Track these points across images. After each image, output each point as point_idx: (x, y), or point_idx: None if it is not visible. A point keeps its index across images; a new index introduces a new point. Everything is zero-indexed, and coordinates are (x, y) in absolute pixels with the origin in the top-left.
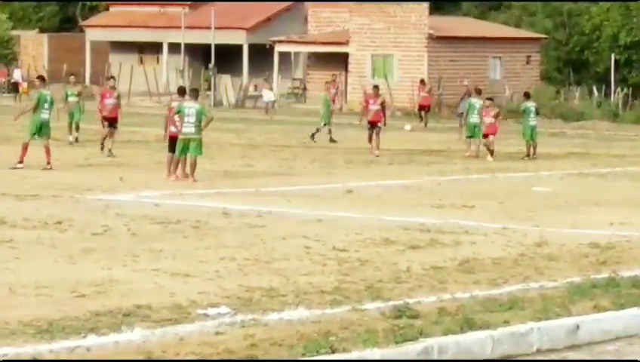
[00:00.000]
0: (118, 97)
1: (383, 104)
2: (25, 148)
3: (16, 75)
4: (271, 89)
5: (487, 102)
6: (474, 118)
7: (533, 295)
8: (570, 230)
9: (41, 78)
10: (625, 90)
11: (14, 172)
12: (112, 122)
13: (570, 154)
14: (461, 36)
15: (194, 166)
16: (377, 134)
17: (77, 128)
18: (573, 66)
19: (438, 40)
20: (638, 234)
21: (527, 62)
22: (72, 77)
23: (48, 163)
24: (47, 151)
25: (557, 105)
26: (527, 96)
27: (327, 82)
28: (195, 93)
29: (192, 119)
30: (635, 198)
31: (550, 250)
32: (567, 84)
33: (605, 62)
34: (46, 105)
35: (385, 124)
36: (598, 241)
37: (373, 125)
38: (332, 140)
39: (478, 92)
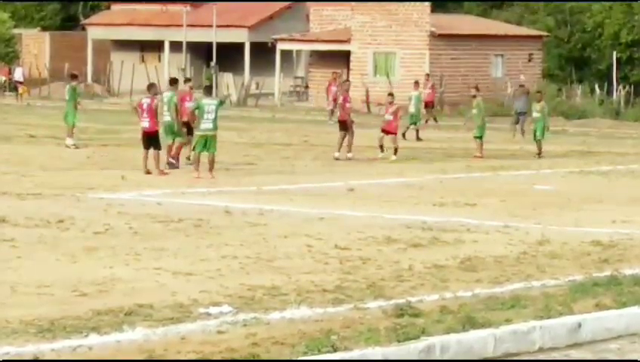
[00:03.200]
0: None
1: (396, 112)
2: (169, 149)
3: (17, 74)
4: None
5: (389, 98)
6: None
7: (535, 293)
8: (572, 228)
9: (172, 80)
10: (627, 87)
11: (15, 170)
12: (189, 127)
13: (571, 152)
14: (463, 34)
15: (212, 163)
16: (394, 142)
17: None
18: (574, 64)
19: (440, 38)
20: None
21: (529, 60)
22: (76, 77)
23: (172, 158)
24: (179, 148)
25: (559, 103)
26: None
27: (328, 80)
28: (209, 90)
29: (212, 116)
30: (638, 196)
31: (552, 248)
32: (569, 81)
33: (607, 59)
34: (165, 108)
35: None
36: (600, 239)
37: (385, 133)
38: (419, 138)
39: (417, 85)
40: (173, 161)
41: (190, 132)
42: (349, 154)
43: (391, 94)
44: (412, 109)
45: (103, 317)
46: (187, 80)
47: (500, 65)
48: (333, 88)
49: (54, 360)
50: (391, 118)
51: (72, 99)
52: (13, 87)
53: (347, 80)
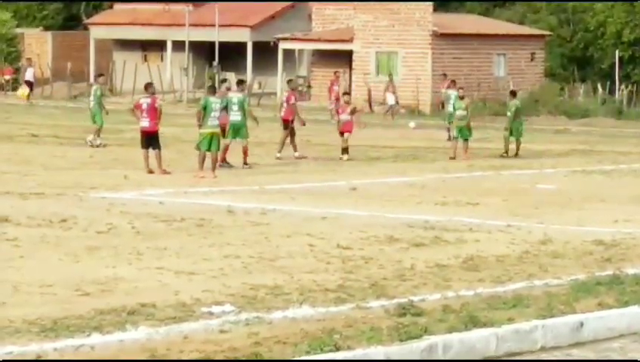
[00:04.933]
0: (354, 111)
1: (353, 112)
2: (225, 149)
3: (29, 74)
4: (394, 92)
5: (346, 98)
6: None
7: (537, 292)
8: (574, 227)
9: (239, 81)
10: (629, 86)
11: (17, 169)
12: (288, 124)
13: (574, 151)
14: (465, 33)
15: (215, 161)
16: (346, 142)
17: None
18: (577, 63)
19: (442, 37)
20: None
21: (532, 59)
22: (102, 77)
23: (245, 163)
24: (244, 152)
25: (561, 102)
26: (513, 94)
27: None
28: (214, 89)
29: (218, 114)
30: None
31: (554, 248)
32: (571, 80)
33: (609, 58)
34: (235, 108)
35: (362, 126)
36: (603, 238)
37: (342, 135)
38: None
39: (454, 83)
40: (229, 162)
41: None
42: (296, 154)
43: (347, 93)
44: (451, 108)
45: (105, 316)
46: (241, 82)
47: (502, 64)
48: (335, 87)
49: (57, 361)
50: (349, 117)
51: (99, 100)
52: (16, 86)
53: (291, 79)
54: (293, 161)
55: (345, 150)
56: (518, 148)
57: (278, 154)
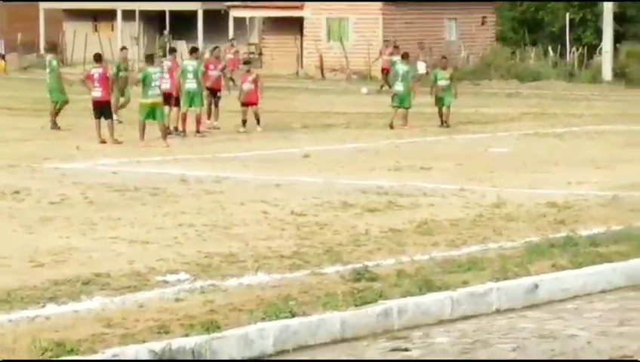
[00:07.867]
0: (224, 68)
1: (256, 81)
2: (183, 118)
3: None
4: (425, 61)
5: (246, 67)
6: (398, 86)
7: (491, 255)
8: (527, 190)
9: (193, 49)
10: (580, 49)
11: None
12: (215, 93)
13: (526, 115)
14: None
15: (165, 131)
16: (256, 114)
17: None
18: (528, 26)
19: (393, 3)
20: (595, 193)
21: (482, 23)
22: (125, 50)
23: (198, 131)
24: (198, 120)
25: (512, 66)
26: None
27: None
28: (152, 58)
29: (158, 83)
30: (592, 157)
31: (508, 211)
32: (522, 44)
33: (560, 21)
34: (190, 76)
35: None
36: (556, 201)
37: (246, 106)
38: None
39: (405, 56)
40: (181, 130)
41: (217, 97)
42: (214, 123)
43: (248, 62)
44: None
45: (60, 286)
46: (215, 48)
47: (453, 28)
48: (229, 55)
49: None
50: (252, 86)
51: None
52: None
53: (216, 46)
54: (245, 129)
55: (258, 120)
56: (445, 117)
57: (215, 123)
